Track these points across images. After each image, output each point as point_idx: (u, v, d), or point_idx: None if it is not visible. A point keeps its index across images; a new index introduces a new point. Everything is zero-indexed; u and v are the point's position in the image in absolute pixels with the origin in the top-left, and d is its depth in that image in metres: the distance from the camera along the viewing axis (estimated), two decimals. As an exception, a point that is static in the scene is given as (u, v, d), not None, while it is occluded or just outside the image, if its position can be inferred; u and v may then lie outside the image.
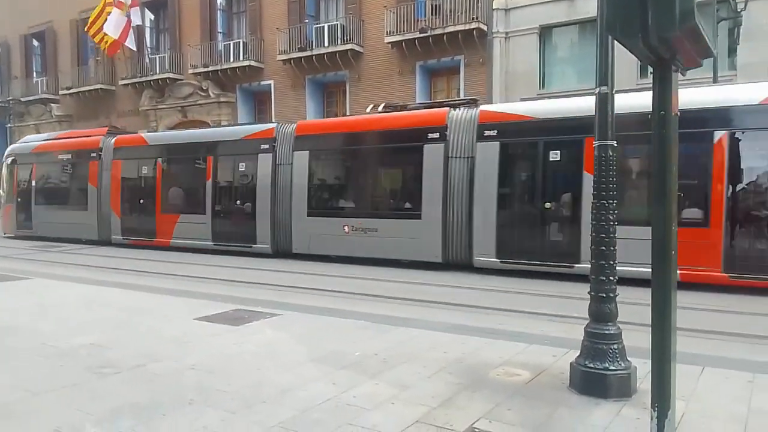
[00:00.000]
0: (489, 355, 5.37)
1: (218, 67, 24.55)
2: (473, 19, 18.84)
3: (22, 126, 31.90)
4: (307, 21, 22.89)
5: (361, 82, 21.88)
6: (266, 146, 14.74)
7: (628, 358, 4.31)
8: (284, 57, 22.86)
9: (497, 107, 12.76)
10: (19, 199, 20.27)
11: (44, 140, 21.11)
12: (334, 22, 22.26)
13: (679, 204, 10.65)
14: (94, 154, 18.22)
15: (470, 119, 11.90)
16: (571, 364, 4.51)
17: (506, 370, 4.92)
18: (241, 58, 24.24)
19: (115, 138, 18.32)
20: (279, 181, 14.48)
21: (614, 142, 4.27)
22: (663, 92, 2.38)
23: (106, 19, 25.26)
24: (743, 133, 9.32)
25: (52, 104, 31.29)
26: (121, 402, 4.27)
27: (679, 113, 2.48)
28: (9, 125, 30.28)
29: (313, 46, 22.21)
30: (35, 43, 33.18)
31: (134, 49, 26.18)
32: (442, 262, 11.84)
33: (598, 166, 4.26)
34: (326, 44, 21.88)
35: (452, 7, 19.46)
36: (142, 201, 17.06)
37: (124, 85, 27.92)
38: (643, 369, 4.25)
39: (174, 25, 27.10)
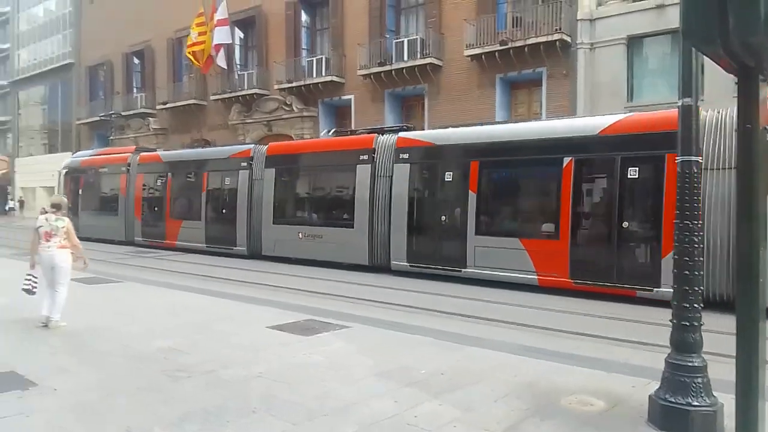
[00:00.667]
0: (561, 380, 5.12)
1: (302, 83, 25.32)
2: (556, 30, 18.36)
3: (122, 138, 34.28)
4: (387, 36, 23.19)
5: (439, 96, 21.85)
6: (244, 164, 17.11)
7: (714, 394, 3.95)
8: (364, 72, 23.24)
9: (412, 134, 14.20)
10: (70, 205, 21.64)
11: (89, 155, 24.67)
12: (414, 37, 22.41)
13: (537, 219, 11.49)
14: (123, 168, 21.30)
15: (391, 144, 13.75)
16: (650, 396, 4.19)
17: (579, 399, 4.66)
18: (324, 73, 24.89)
19: (139, 155, 21.29)
20: (254, 193, 16.79)
21: (699, 158, 3.95)
22: (747, 104, 2.15)
23: (201, 42, 26.86)
24: (585, 159, 10.70)
25: (149, 118, 33.47)
26: (190, 407, 4.41)
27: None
28: (110, 137, 32.60)
29: (393, 61, 22.44)
30: (135, 61, 35.71)
31: (224, 67, 27.54)
32: (369, 264, 13.66)
33: (681, 184, 3.96)
34: (405, 58, 22.05)
35: (534, 18, 19.09)
36: (156, 209, 19.90)
37: (215, 100, 29.37)
38: (731, 406, 3.89)
39: (261, 43, 28.27)
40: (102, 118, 33.87)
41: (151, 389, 4.82)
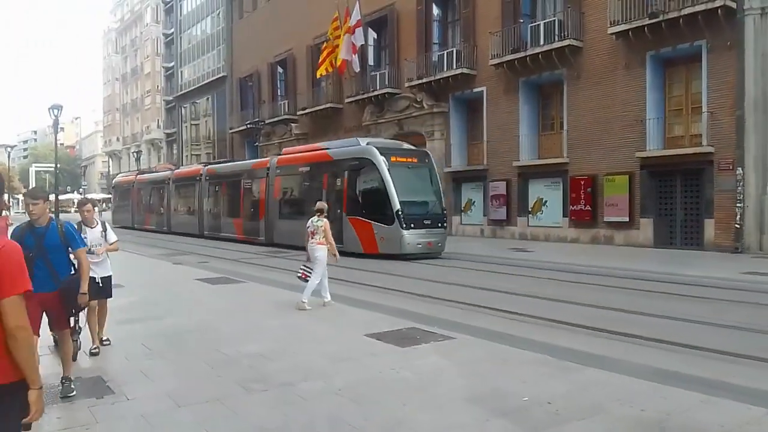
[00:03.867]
0: (703, 418, 3.92)
1: (432, 78, 24.75)
2: (718, -6, 15.87)
3: (268, 144, 36.28)
4: (522, 21, 21.81)
5: (580, 81, 20.05)
6: (263, 172, 22.12)
7: None
8: (497, 61, 22.10)
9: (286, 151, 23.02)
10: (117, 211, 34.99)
11: (141, 172, 39.02)
12: (551, 18, 20.81)
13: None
14: (199, 178, 27.87)
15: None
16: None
17: (732, 450, 3.47)
18: (454, 66, 24.11)
19: (207, 167, 28.16)
20: (269, 195, 21.41)
21: None
22: None
23: (336, 46, 27.45)
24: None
25: (291, 124, 35.01)
26: (248, 425, 3.98)
27: None
28: (257, 144, 34.58)
29: (528, 47, 21.02)
30: (279, 69, 37.58)
31: (357, 70, 27.87)
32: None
33: None
34: (541, 42, 20.55)
35: (690, -16, 16.71)
36: (217, 208, 26.44)
37: (349, 102, 29.87)
38: None
39: (393, 42, 28.20)
40: (248, 126, 36.07)
41: (220, 402, 4.46)
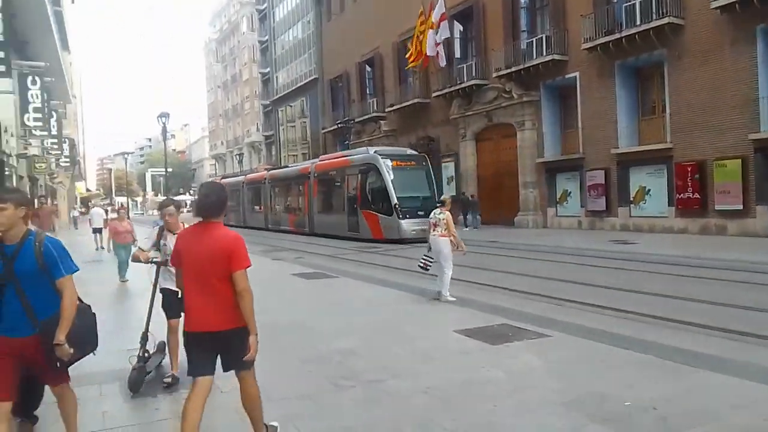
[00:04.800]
0: None
1: (521, 67, 24.00)
2: None
3: (359, 142, 36.79)
4: (616, 1, 20.60)
5: (682, 62, 18.63)
6: (306, 175, 26.98)
7: None
8: (590, 44, 21.03)
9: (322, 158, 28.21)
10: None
11: (224, 177, 44.39)
12: (648, -5, 19.48)
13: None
14: (264, 182, 32.38)
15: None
16: None
17: None
18: (544, 53, 23.24)
19: (270, 172, 33.05)
20: (311, 194, 26.18)
21: None
22: None
23: (421, 43, 27.37)
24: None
25: (380, 121, 35.31)
26: (336, 424, 3.97)
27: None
28: (347, 142, 35.18)
29: (623, 27, 19.83)
30: (367, 68, 37.99)
31: (442, 65, 27.60)
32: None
33: None
34: (638, 22, 19.30)
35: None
36: (277, 206, 31.22)
37: (437, 96, 29.64)
38: None
39: (479, 33, 27.63)
40: (339, 125, 36.78)
41: (308, 398, 4.51)
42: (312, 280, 11.01)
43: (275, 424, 3.77)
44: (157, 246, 5.20)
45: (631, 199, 20.86)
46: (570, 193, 23.56)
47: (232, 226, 33.98)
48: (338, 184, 24.05)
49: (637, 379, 4.59)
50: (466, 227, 24.56)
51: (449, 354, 5.64)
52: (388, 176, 20.52)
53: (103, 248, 19.45)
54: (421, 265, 8.76)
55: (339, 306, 8.49)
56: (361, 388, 4.71)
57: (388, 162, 20.97)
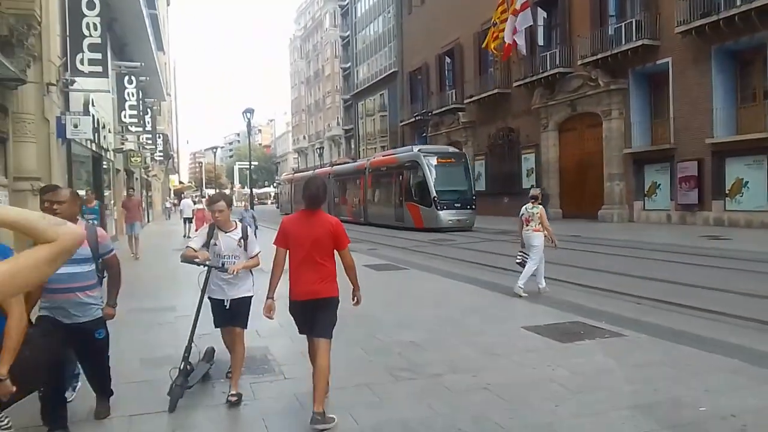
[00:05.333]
0: None
1: (608, 53, 22.89)
2: None
3: (436, 134, 36.57)
4: (714, -20, 19.17)
5: (789, 42, 17.05)
6: (362, 171, 29.50)
7: None
8: (684, 28, 19.71)
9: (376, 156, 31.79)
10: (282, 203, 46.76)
11: (296, 171, 50.96)
12: (751, -27, 17.98)
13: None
14: (328, 177, 32.55)
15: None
16: None
17: None
18: (634, 38, 22.05)
19: (333, 168, 35.69)
20: (366, 188, 28.88)
21: None
22: None
23: (502, 30, 26.68)
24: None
25: (459, 113, 34.89)
26: (392, 415, 3.96)
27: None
28: (424, 135, 35.08)
29: (720, 9, 18.42)
30: (447, 60, 37.61)
31: (524, 53, 26.84)
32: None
33: None
34: (738, 3, 17.85)
35: None
36: (338, 198, 32.92)
37: (518, 86, 28.89)
38: None
39: (564, 19, 26.63)
40: (416, 118, 36.69)
41: (368, 387, 4.52)
42: (382, 271, 11.05)
43: (333, 416, 3.80)
44: (207, 246, 4.44)
45: (727, 192, 19.40)
46: (659, 185, 22.25)
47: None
48: (387, 179, 26.91)
49: (718, 385, 4.26)
50: None
51: (514, 350, 5.47)
52: (429, 172, 22.99)
53: (189, 237, 20.70)
54: (519, 261, 8.61)
55: (406, 298, 8.47)
56: (420, 381, 4.67)
57: (430, 159, 23.43)
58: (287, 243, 4.02)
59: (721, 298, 7.85)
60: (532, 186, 25.86)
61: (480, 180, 34.06)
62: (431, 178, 22.85)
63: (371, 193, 28.53)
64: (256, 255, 4.47)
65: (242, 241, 4.39)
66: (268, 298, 4.09)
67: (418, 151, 24.47)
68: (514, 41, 26.59)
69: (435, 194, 22.34)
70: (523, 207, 8.76)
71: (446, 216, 22.10)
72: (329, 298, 4.03)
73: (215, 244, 4.39)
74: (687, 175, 20.49)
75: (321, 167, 42.91)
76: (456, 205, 22.45)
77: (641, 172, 22.89)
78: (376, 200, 28.10)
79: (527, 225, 8.51)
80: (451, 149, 26.58)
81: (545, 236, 8.44)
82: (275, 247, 4.05)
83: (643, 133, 22.90)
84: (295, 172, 50.32)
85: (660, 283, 9.23)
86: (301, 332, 4.20)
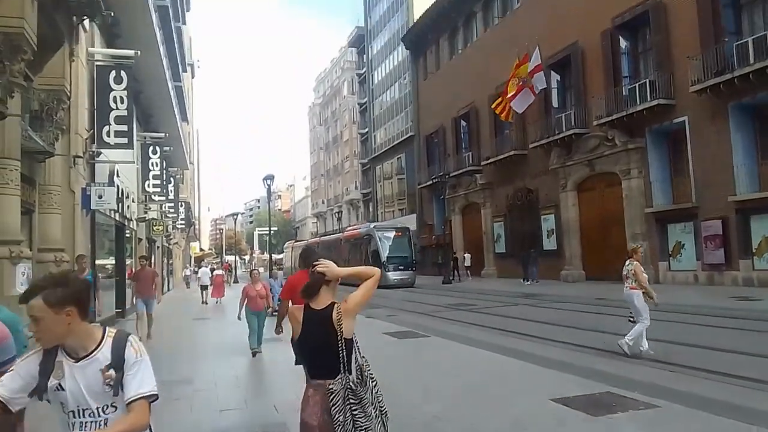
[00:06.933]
0: None
1: (623, 113, 23.07)
2: None
3: (454, 196, 36.72)
4: (726, 39, 19.44)
5: (807, 98, 17.04)
6: (339, 240, 38.21)
7: None
8: (698, 87, 19.85)
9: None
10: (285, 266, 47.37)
11: (296, 240, 60.49)
12: (761, 33, 18.23)
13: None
14: (317, 245, 36.99)
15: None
16: None
17: None
18: (648, 98, 22.23)
19: (321, 238, 42.59)
20: (341, 254, 34.09)
21: None
22: None
23: (513, 93, 27.21)
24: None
25: (476, 174, 35.13)
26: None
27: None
28: (441, 197, 35.23)
29: (734, 67, 18.58)
30: (462, 123, 38.27)
31: (519, 111, 27.33)
32: None
33: None
34: (751, 61, 18.01)
35: None
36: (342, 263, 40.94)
37: (534, 147, 29.10)
38: None
39: (578, 81, 27.07)
40: (434, 180, 36.99)
41: (389, 468, 4.28)
42: (403, 339, 10.80)
43: None
44: (37, 391, 2.40)
45: (754, 250, 18.93)
46: (684, 245, 21.81)
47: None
48: (354, 248, 34.88)
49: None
50: (527, 281, 26.54)
51: (544, 423, 5.20)
52: (380, 243, 31.42)
53: (206, 303, 21.37)
54: (631, 319, 8.49)
55: (428, 367, 8.21)
56: (445, 459, 4.42)
57: (381, 233, 32.20)
58: (292, 295, 5.30)
59: (755, 363, 7.48)
60: (532, 250, 27.80)
61: (500, 241, 33.88)
62: (381, 247, 31.12)
63: (344, 258, 34.71)
64: (141, 400, 2.19)
65: (114, 372, 2.19)
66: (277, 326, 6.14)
67: (373, 227, 33.97)
68: (511, 99, 27.06)
69: (384, 259, 30.09)
70: (625, 264, 8.60)
71: (393, 276, 29.26)
72: None
73: (58, 388, 2.17)
74: (712, 234, 20.09)
75: (322, 236, 53.20)
76: (400, 267, 30.36)
77: (664, 231, 22.53)
78: (346, 265, 35.70)
79: (625, 282, 8.39)
80: (399, 225, 35.88)
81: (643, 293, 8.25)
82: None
83: (664, 191, 22.70)
84: (295, 242, 59.23)
85: (692, 348, 8.88)
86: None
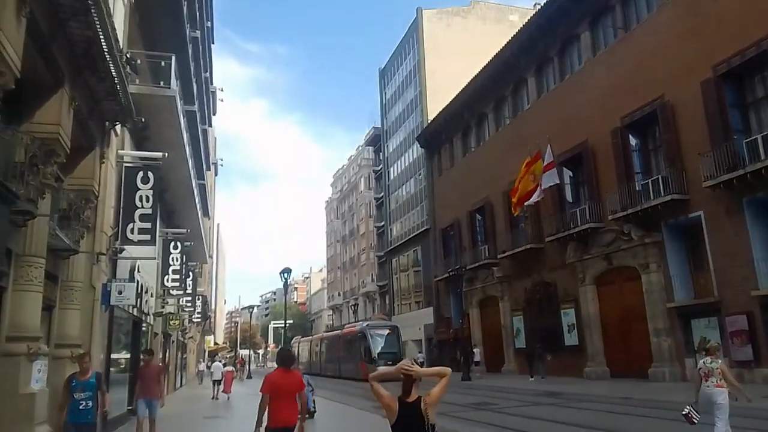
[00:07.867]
0: None
1: (638, 208, 23.24)
2: None
3: (471, 289, 36.44)
4: (735, 137, 19.88)
5: (822, 192, 17.10)
6: (339, 337, 43.78)
7: None
8: (711, 183, 20.06)
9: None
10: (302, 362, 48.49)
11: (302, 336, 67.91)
12: (769, 131, 18.65)
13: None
14: (321, 341, 48.79)
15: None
16: None
17: None
18: (662, 193, 22.46)
19: (324, 334, 50.92)
20: (341, 350, 41.43)
21: None
22: None
23: (531, 189, 27.85)
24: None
25: (493, 267, 35.02)
26: None
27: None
28: (459, 290, 34.99)
29: (746, 163, 18.86)
30: (478, 217, 38.69)
31: (530, 203, 27.77)
32: None
33: None
34: (762, 157, 18.31)
35: None
36: (325, 357, 46.90)
37: (550, 241, 29.15)
38: None
39: (590, 177, 27.55)
40: (451, 273, 36.91)
41: None
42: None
43: None
44: None
45: (784, 346, 18.28)
46: (709, 341, 21.08)
47: (307, 373, 38.97)
48: (350, 344, 39.19)
49: None
50: (532, 378, 26.92)
51: None
52: (371, 341, 35.41)
53: (217, 398, 21.05)
54: (687, 414, 8.20)
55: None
56: None
57: (372, 331, 36.25)
58: (272, 390, 6.03)
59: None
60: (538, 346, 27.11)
61: (519, 336, 33.09)
62: (372, 344, 35.08)
63: (342, 354, 40.50)
64: None
65: None
66: (257, 427, 6.02)
67: (366, 326, 38.28)
68: (528, 195, 27.70)
69: (375, 355, 33.96)
70: (701, 361, 8.43)
71: (383, 369, 33.21)
72: (293, 425, 6.14)
73: None
74: (737, 330, 19.50)
75: (325, 332, 56.21)
76: (389, 362, 30.96)
77: (688, 326, 21.91)
78: (345, 359, 40.09)
79: (707, 380, 8.14)
80: (390, 324, 40.62)
81: (730, 392, 8.07)
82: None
83: (685, 285, 22.36)
84: (301, 337, 64.24)
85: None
86: None
